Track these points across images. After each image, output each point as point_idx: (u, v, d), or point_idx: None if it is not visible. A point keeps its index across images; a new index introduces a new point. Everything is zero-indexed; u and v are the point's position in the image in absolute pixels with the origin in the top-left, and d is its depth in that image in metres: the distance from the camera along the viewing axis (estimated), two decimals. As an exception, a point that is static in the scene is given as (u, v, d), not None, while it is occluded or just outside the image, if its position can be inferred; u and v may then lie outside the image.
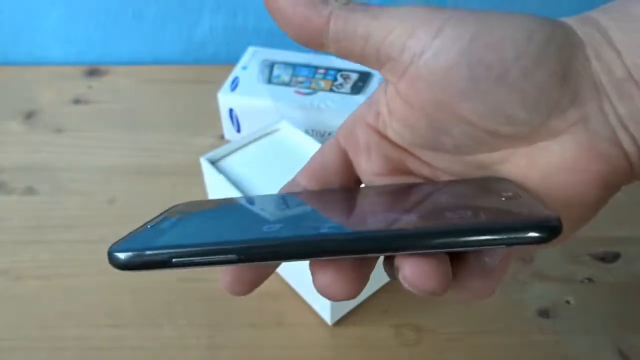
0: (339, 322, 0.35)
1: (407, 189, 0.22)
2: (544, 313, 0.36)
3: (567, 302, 0.36)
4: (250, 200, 0.23)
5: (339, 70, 0.49)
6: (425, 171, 0.23)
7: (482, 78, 0.18)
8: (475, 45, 0.18)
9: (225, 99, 0.47)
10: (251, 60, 0.50)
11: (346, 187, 0.23)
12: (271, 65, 0.50)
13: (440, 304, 0.36)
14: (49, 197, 0.45)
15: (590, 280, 0.38)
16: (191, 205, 0.23)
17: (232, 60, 0.52)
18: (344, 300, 0.18)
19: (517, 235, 0.16)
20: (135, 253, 0.18)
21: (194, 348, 0.34)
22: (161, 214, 0.22)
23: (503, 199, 0.18)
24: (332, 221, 0.19)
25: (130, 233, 0.20)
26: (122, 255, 0.18)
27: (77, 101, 0.55)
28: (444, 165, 0.22)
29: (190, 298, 0.37)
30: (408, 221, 0.18)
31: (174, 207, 0.23)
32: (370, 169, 0.23)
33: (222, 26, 0.61)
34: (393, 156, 0.23)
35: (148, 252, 0.18)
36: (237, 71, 0.49)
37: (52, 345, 0.34)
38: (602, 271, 0.38)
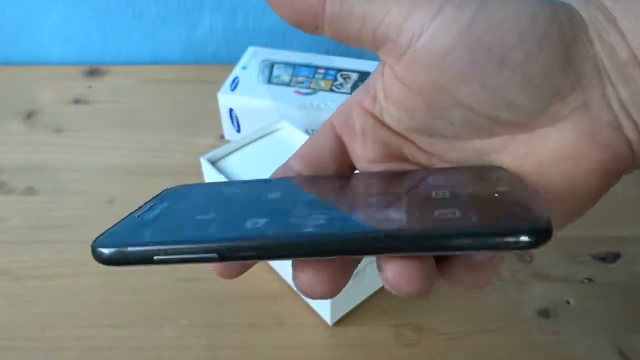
0: (339, 322, 0.35)
1: (397, 178, 0.21)
2: (544, 313, 0.36)
3: (567, 302, 0.36)
4: (240, 186, 0.23)
5: (339, 70, 0.49)
6: (422, 158, 0.22)
7: (482, 61, 0.18)
8: (476, 26, 0.18)
9: (225, 99, 0.47)
10: (251, 60, 0.50)
11: (337, 173, 0.23)
12: (271, 65, 0.50)
13: (440, 304, 0.36)
14: (49, 197, 0.45)
15: (590, 280, 0.38)
16: (181, 190, 0.23)
17: (232, 60, 0.52)
18: (324, 299, 0.19)
19: (502, 242, 0.16)
20: (117, 250, 0.18)
21: (194, 348, 0.34)
22: (150, 200, 0.22)
23: (496, 194, 0.18)
24: (314, 218, 0.18)
25: (116, 224, 0.20)
26: (105, 251, 0.18)
27: (77, 101, 0.55)
28: (440, 151, 0.21)
29: (190, 298, 0.37)
30: (391, 220, 0.17)
31: (164, 191, 0.23)
32: (365, 155, 0.23)
33: (222, 26, 0.61)
34: (389, 142, 0.22)
35: (130, 249, 0.18)
36: (237, 71, 0.49)
37: (52, 345, 0.34)
38: (602, 271, 0.38)
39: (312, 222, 0.18)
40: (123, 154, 0.49)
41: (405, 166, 0.22)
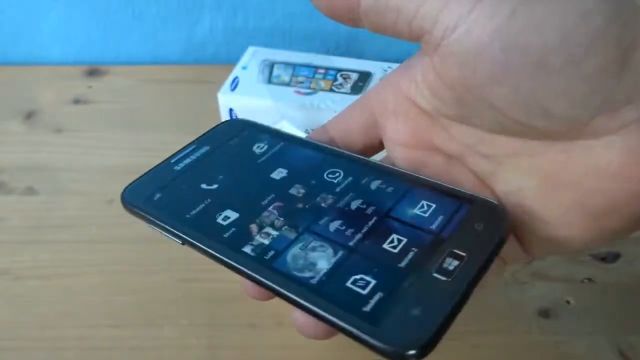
0: (339, 322, 0.35)
1: (388, 191, 0.21)
2: (544, 313, 0.36)
3: (567, 302, 0.36)
4: (274, 143, 0.25)
5: (339, 70, 0.49)
6: (451, 148, 0.21)
7: (517, 63, 0.16)
8: (514, 22, 0.16)
9: (225, 99, 0.47)
10: (251, 60, 0.50)
11: (355, 157, 0.23)
12: (271, 65, 0.50)
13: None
14: (49, 197, 0.45)
15: (590, 280, 0.38)
16: (234, 128, 0.27)
17: (232, 60, 0.52)
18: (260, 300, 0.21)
19: (368, 346, 0.16)
20: (131, 207, 0.23)
21: (194, 348, 0.34)
22: (203, 135, 0.27)
23: (434, 274, 0.17)
24: (263, 235, 0.21)
25: (155, 167, 0.26)
26: (126, 203, 0.23)
27: (77, 101, 0.55)
28: (471, 143, 0.20)
29: (190, 298, 0.37)
30: (311, 270, 0.19)
31: (219, 125, 0.28)
32: (394, 137, 0.22)
33: (222, 26, 0.61)
34: (419, 128, 0.21)
35: (136, 210, 0.23)
36: (237, 71, 0.49)
37: (52, 345, 0.34)
38: (602, 271, 0.38)
39: (257, 240, 0.20)
40: (123, 154, 0.49)
41: (433, 156, 0.22)
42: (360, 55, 0.50)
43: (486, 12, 0.16)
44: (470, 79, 0.18)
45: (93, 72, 0.59)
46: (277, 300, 0.34)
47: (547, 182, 0.19)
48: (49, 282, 0.38)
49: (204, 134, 0.27)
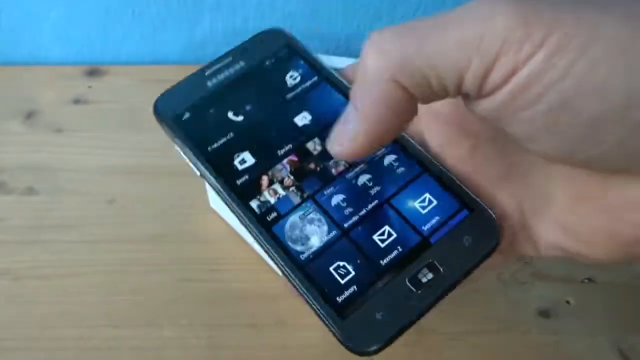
0: (339, 322, 0.35)
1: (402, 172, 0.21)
2: (544, 313, 0.36)
3: (567, 302, 0.36)
4: (309, 75, 0.23)
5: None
6: (484, 133, 0.20)
7: (564, 124, 0.15)
8: (568, 82, 0.14)
9: (225, 99, 0.47)
10: (251, 60, 0.50)
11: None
12: (271, 65, 0.50)
13: (440, 304, 0.36)
14: (49, 197, 0.45)
15: (590, 280, 0.38)
16: (270, 49, 0.24)
17: (232, 60, 0.52)
18: None
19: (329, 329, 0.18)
20: (159, 117, 0.24)
21: (194, 348, 0.34)
22: (239, 45, 0.24)
23: (407, 282, 0.18)
24: (272, 191, 0.21)
25: (189, 76, 0.25)
26: (157, 111, 0.24)
27: (77, 101, 0.55)
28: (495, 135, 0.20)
29: (190, 298, 0.37)
30: (304, 245, 0.19)
31: (260, 36, 0.24)
32: (433, 107, 0.21)
33: (222, 26, 0.61)
34: (459, 104, 0.20)
35: (161, 123, 0.24)
36: (237, 71, 0.49)
37: (52, 345, 0.34)
38: (602, 271, 0.38)
39: (264, 197, 0.20)
40: (123, 154, 0.49)
41: (463, 137, 0.21)
42: (360, 55, 0.50)
43: (536, 71, 0.14)
44: (508, 130, 0.17)
45: (93, 72, 0.59)
46: (277, 300, 0.34)
47: (577, 198, 0.18)
48: (48, 282, 0.38)
49: (242, 43, 0.24)
